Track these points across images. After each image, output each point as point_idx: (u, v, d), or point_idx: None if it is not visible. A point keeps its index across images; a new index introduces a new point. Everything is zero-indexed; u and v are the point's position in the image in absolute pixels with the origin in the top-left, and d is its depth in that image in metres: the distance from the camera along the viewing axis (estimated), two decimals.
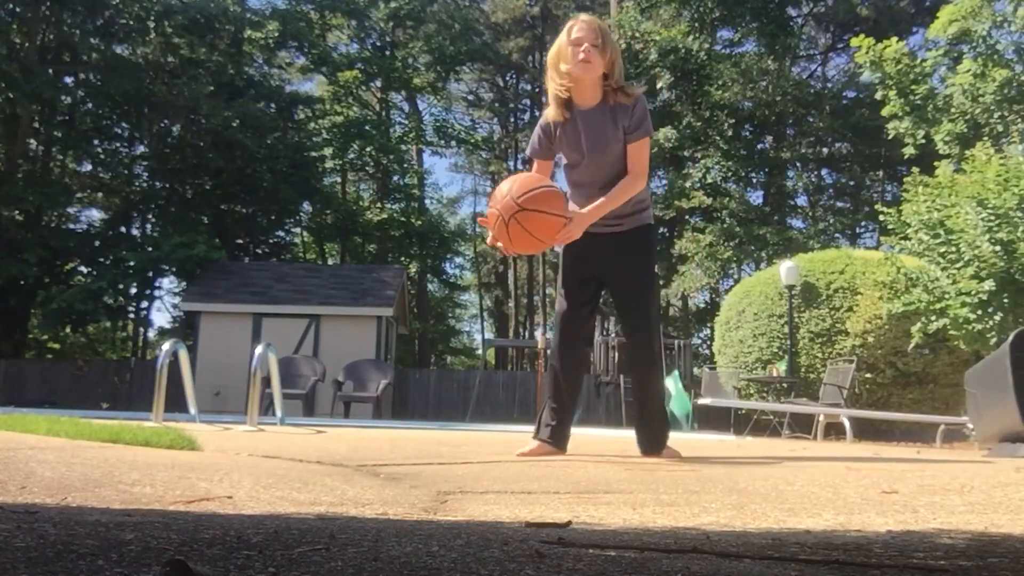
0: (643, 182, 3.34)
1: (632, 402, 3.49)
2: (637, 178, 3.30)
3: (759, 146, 24.25)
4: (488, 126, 36.70)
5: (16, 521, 1.23)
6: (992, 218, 8.09)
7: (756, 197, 24.34)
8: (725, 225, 20.75)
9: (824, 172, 26.70)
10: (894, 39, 13.67)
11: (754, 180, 24.06)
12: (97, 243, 22.89)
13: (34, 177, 21.94)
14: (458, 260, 34.51)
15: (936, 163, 9.91)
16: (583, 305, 3.48)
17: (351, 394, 12.29)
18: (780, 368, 11.00)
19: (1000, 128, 12.78)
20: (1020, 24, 13.06)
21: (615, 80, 3.26)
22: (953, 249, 8.54)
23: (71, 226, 25.19)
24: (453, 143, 30.87)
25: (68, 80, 23.49)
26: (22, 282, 20.48)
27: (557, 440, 3.42)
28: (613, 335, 18.21)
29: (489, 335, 37.93)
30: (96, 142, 25.12)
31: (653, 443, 3.42)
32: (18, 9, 21.19)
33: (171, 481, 1.96)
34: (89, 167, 25.80)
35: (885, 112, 14.10)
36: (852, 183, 26.47)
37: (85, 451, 2.61)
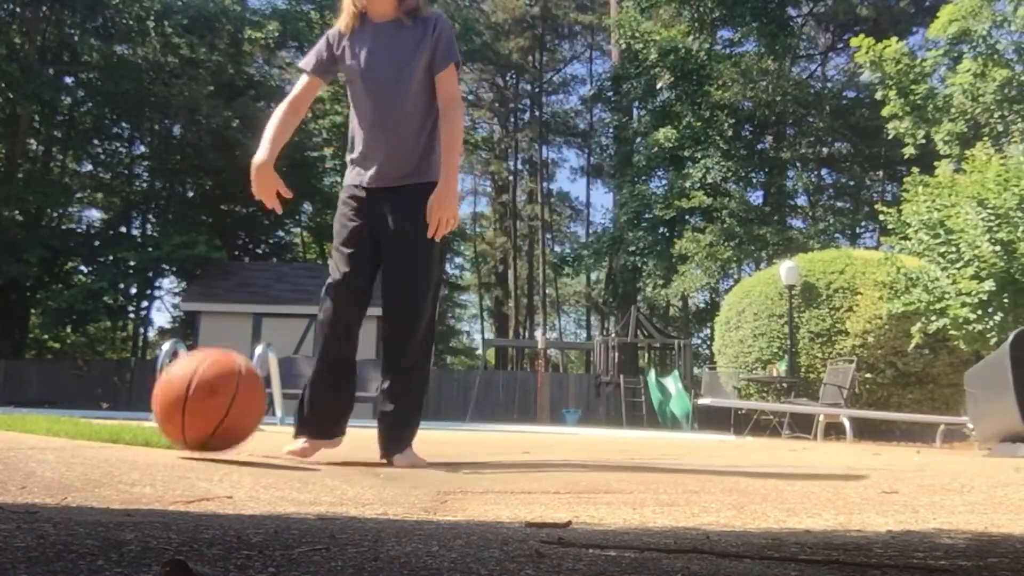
0: (463, 114, 2.89)
1: (386, 387, 2.89)
2: (460, 111, 2.83)
3: (759, 146, 24.22)
4: (488, 126, 36.72)
5: (16, 521, 1.23)
6: (992, 218, 8.10)
7: (756, 197, 24.32)
8: (725, 225, 20.73)
9: (824, 172, 26.67)
10: (894, 39, 13.66)
11: (754, 180, 24.03)
12: (97, 243, 22.91)
13: (34, 177, 21.96)
14: (458, 260, 34.48)
15: (936, 163, 9.91)
16: (358, 272, 2.95)
17: None
18: (780, 368, 11.00)
19: (1000, 128, 12.77)
20: (1020, 24, 13.05)
21: None
22: (953, 249, 8.54)
23: (71, 226, 25.22)
24: None
25: (68, 80, 23.51)
26: (22, 282, 20.49)
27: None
28: (613, 335, 18.21)
29: (489, 335, 37.92)
30: (96, 142, 25.15)
31: (397, 441, 2.85)
32: (18, 9, 21.21)
33: (171, 481, 1.96)
34: (89, 167, 25.83)
35: (885, 112, 14.09)
36: (852, 183, 26.44)
37: (85, 451, 2.61)
